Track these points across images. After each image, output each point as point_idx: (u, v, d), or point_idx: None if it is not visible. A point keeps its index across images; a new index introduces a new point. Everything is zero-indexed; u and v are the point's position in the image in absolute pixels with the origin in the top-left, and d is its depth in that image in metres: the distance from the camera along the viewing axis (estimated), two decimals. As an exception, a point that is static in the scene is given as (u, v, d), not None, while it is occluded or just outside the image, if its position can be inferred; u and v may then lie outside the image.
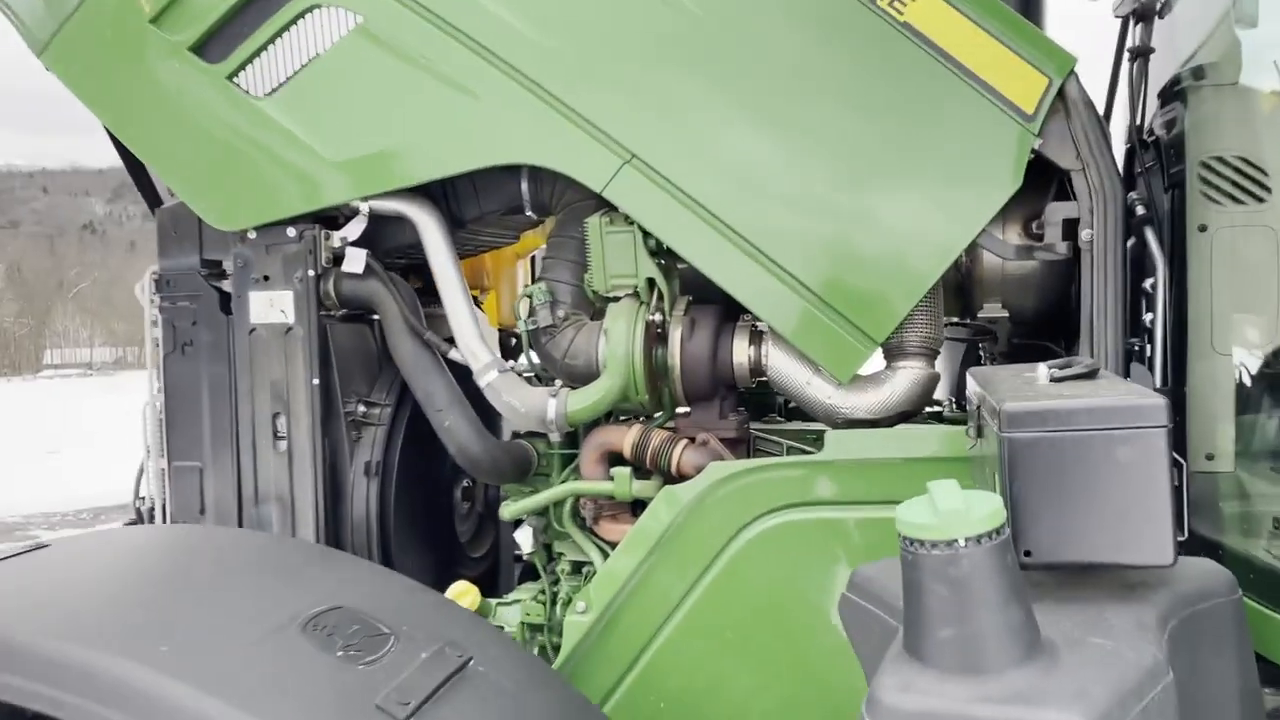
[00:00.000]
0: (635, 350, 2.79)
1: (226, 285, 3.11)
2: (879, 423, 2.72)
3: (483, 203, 3.07)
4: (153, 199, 3.37)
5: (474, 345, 2.93)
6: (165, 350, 3.15)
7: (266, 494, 3.04)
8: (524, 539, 3.05)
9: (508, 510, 3.00)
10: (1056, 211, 2.61)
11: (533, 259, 3.96)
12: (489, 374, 2.89)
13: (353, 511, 3.05)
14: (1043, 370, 2.08)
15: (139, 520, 3.42)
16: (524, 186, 2.99)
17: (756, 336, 2.83)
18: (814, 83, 2.64)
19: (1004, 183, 2.55)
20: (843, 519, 2.66)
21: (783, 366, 2.77)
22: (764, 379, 2.86)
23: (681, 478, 2.82)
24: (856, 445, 2.65)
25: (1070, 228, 2.61)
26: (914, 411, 2.74)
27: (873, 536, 2.65)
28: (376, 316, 3.22)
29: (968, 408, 2.32)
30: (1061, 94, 2.58)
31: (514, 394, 2.87)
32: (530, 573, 3.41)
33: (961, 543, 1.48)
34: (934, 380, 2.74)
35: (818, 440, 3.08)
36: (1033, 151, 2.57)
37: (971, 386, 2.20)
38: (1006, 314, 2.88)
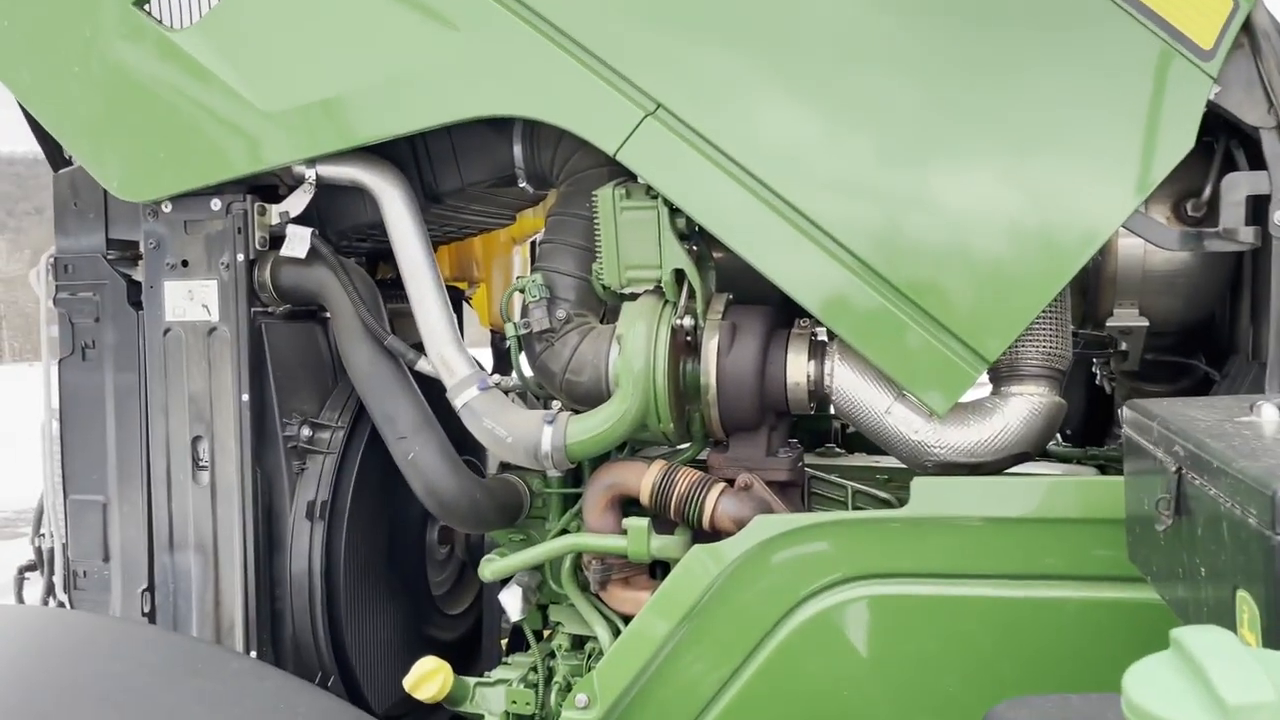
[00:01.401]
0: (657, 364, 2.10)
1: (138, 273, 2.45)
2: (981, 467, 2.03)
3: (464, 171, 2.39)
4: (58, 161, 2.70)
5: (448, 354, 2.25)
6: (62, 353, 2.49)
7: (184, 539, 2.37)
8: (511, 603, 2.37)
9: (489, 569, 2.32)
10: (1238, 185, 1.91)
11: (532, 245, 3.27)
12: (466, 391, 2.21)
13: (292, 564, 2.38)
14: (1272, 414, 1.38)
15: (38, 563, 2.76)
16: (516, 150, 2.32)
17: (818, 349, 2.14)
18: (906, 10, 1.95)
19: (1170, 146, 1.85)
20: (935, 596, 1.98)
21: (853, 389, 2.08)
22: (826, 404, 2.18)
23: (716, 533, 2.14)
24: (955, 498, 1.96)
25: (1257, 207, 1.91)
26: (1031, 453, 2.04)
27: (975, 623, 1.97)
28: (328, 315, 2.55)
29: (1126, 452, 1.63)
30: (1248, 25, 1.88)
31: (498, 419, 2.18)
32: (522, 636, 2.73)
33: (1274, 770, 0.79)
34: (1059, 411, 2.05)
35: (894, 483, 2.41)
36: (1207, 103, 1.87)
37: (1147, 427, 1.51)
38: (1145, 322, 2.18)
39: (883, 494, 2.37)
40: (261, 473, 2.34)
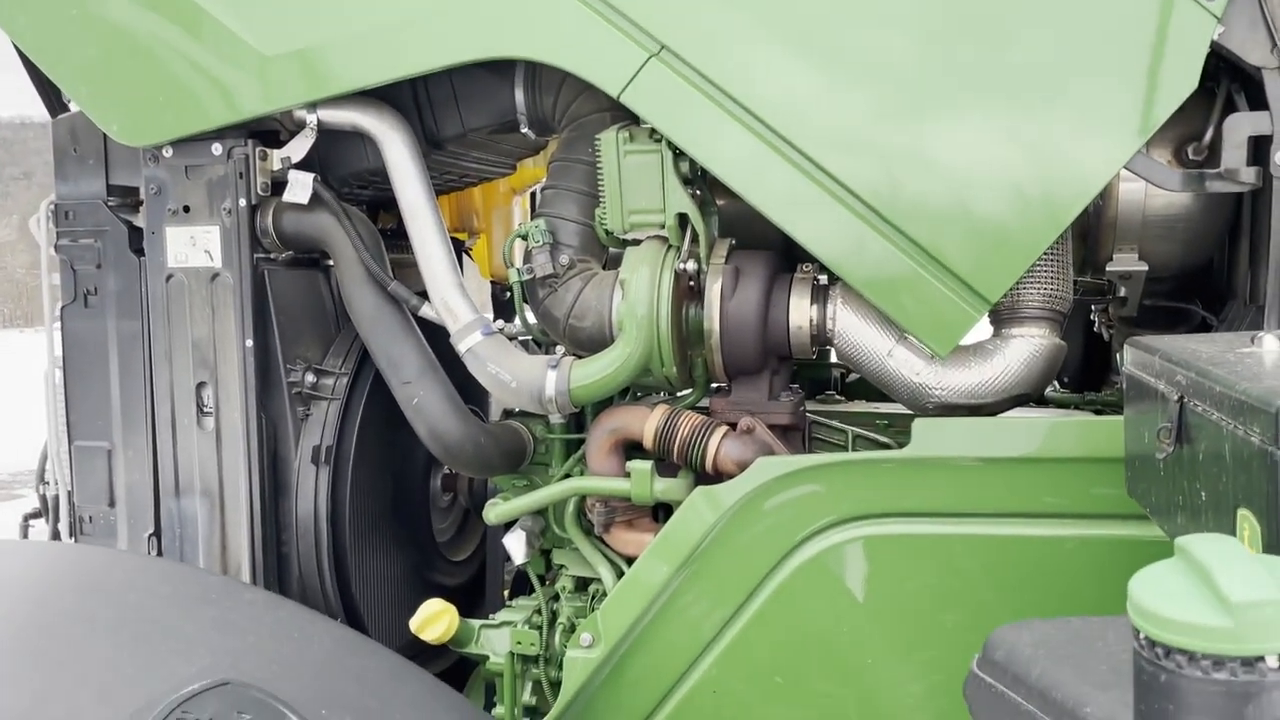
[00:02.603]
0: (661, 308, 2.12)
1: (140, 219, 2.44)
2: (981, 409, 2.05)
3: (465, 116, 2.39)
4: (54, 105, 2.69)
5: (451, 299, 2.25)
6: (64, 300, 2.49)
7: (189, 484, 2.39)
8: (515, 546, 2.39)
9: (493, 512, 2.34)
10: (1240, 126, 1.92)
11: (533, 195, 3.27)
12: (470, 336, 2.22)
13: (298, 508, 2.39)
14: (1273, 344, 1.40)
15: (43, 511, 2.77)
16: (518, 95, 2.31)
17: (820, 293, 2.16)
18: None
19: (1173, 87, 1.85)
20: (936, 535, 2.00)
21: (856, 333, 2.10)
22: (828, 348, 2.19)
23: (719, 475, 2.16)
24: (955, 438, 1.98)
25: (1258, 148, 1.92)
26: (1030, 395, 2.07)
27: (974, 560, 2.00)
28: (331, 261, 2.55)
29: (1127, 390, 1.65)
30: (1253, -36, 1.88)
31: (502, 363, 2.20)
32: (526, 581, 2.76)
33: (1273, 663, 0.82)
34: (1059, 353, 2.06)
35: (894, 428, 2.44)
36: (1210, 44, 1.87)
37: (1149, 363, 1.53)
38: (1145, 267, 2.19)
39: (883, 438, 2.39)
40: (266, 418, 2.35)
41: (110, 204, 2.44)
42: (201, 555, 2.39)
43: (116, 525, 2.50)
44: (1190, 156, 2.09)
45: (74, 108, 2.49)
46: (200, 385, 2.37)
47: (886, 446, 2.38)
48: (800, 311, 2.14)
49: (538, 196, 2.93)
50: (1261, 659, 0.81)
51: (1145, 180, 1.99)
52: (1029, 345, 2.03)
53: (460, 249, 3.08)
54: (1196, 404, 1.30)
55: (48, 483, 2.74)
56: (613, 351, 2.15)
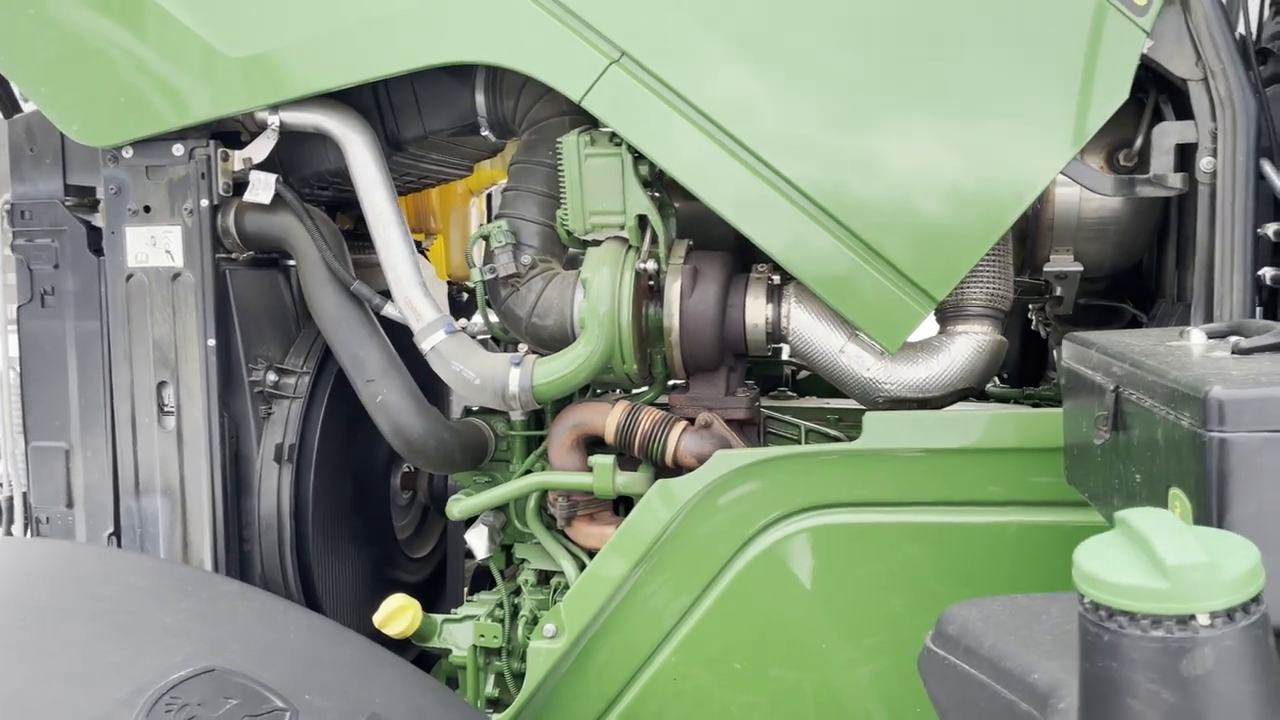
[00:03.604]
0: (622, 307, 2.18)
1: (98, 219, 2.45)
2: (929, 402, 2.15)
3: (426, 119, 2.43)
4: (9, 106, 2.68)
5: (415, 298, 2.30)
6: (20, 300, 2.48)
7: (150, 483, 2.40)
8: (477, 541, 2.44)
9: (457, 508, 2.38)
10: (1168, 134, 2.04)
11: (489, 197, 3.32)
12: (434, 335, 2.26)
13: (260, 506, 2.42)
14: (1200, 337, 1.51)
15: (-6, 513, 2.75)
16: (479, 98, 2.36)
17: (775, 292, 2.24)
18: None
19: (1106, 97, 1.96)
20: (885, 524, 2.09)
21: (809, 330, 2.18)
22: (781, 345, 2.27)
23: (678, 469, 2.24)
24: (903, 431, 2.07)
25: (1185, 155, 2.04)
26: (974, 388, 2.17)
27: (921, 548, 2.09)
28: (291, 262, 2.58)
29: (1064, 383, 1.75)
30: (1178, -19, 2.00)
31: (466, 361, 2.24)
32: (485, 578, 2.81)
33: (1204, 620, 0.90)
34: (1001, 349, 2.17)
35: (844, 422, 2.53)
36: (1140, 56, 1.98)
37: (1085, 356, 1.63)
38: (1080, 267, 2.31)
39: (833, 432, 2.48)
40: (229, 417, 2.37)
41: (67, 204, 2.44)
42: (163, 554, 2.39)
43: (74, 525, 2.50)
44: (1121, 163, 2.21)
45: (29, 107, 2.49)
46: (161, 384, 2.38)
47: (838, 440, 2.47)
48: (756, 310, 2.21)
49: (494, 198, 2.97)
50: (1194, 617, 0.90)
51: (1080, 185, 2.10)
52: (973, 342, 2.13)
53: (418, 249, 3.11)
54: (1132, 393, 1.40)
55: (0, 484, 2.73)
56: (575, 349, 2.21)
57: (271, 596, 1.62)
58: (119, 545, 2.43)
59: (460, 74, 2.34)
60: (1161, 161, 2.04)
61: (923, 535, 2.07)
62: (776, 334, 2.23)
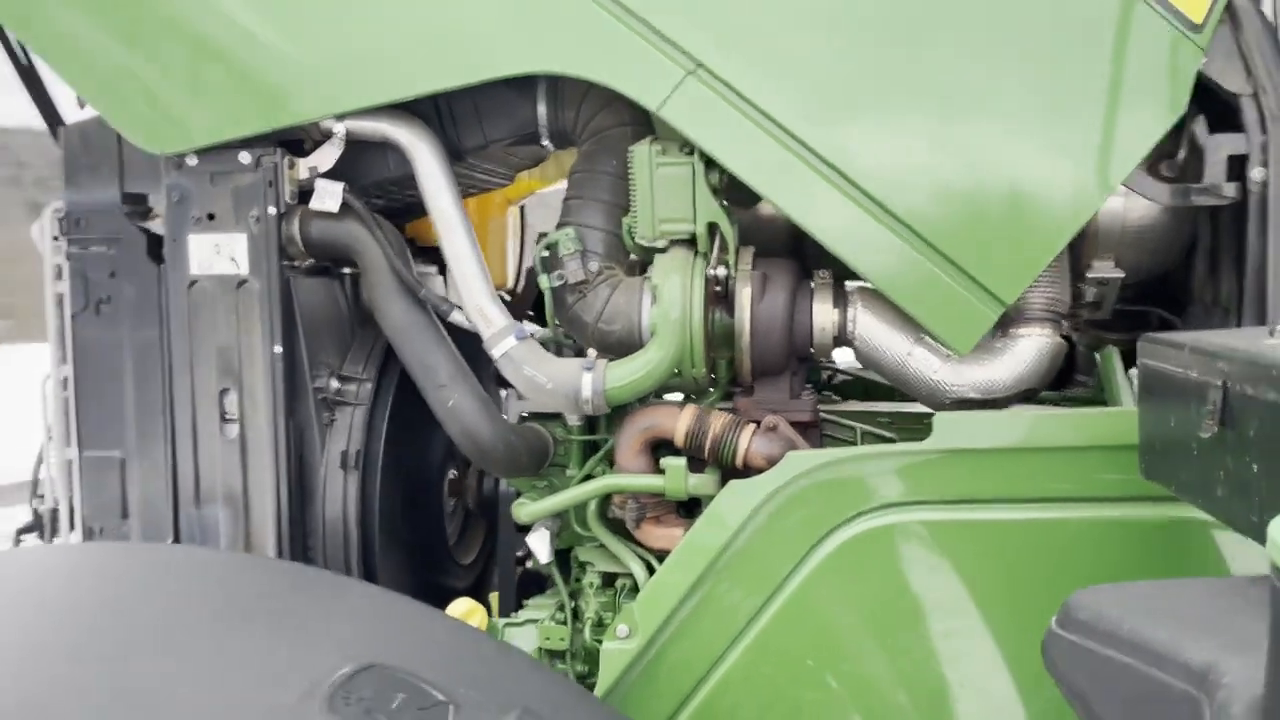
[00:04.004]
0: (694, 313, 2.24)
1: (155, 226, 2.44)
2: (993, 403, 2.23)
3: (487, 129, 2.46)
4: (51, 116, 2.65)
5: (485, 305, 2.32)
6: (74, 309, 2.46)
7: (211, 492, 2.39)
8: (539, 545, 2.47)
9: (525, 511, 2.41)
10: (1220, 146, 2.14)
11: (522, 207, 3.35)
12: (504, 341, 2.29)
13: (325, 513, 2.42)
14: (1293, 337, 1.60)
15: (37, 525, 2.72)
16: (541, 108, 2.40)
17: (841, 297, 2.30)
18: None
19: (1166, 109, 2.07)
20: (954, 521, 2.16)
21: (876, 335, 2.25)
22: (848, 348, 2.34)
23: (746, 471, 2.29)
24: (972, 430, 2.14)
25: (1235, 166, 2.15)
26: (1038, 389, 2.25)
27: (991, 543, 2.16)
28: (347, 270, 2.59)
29: (1143, 383, 1.84)
30: (1229, 2, 2.11)
31: (539, 366, 2.28)
32: (533, 582, 2.84)
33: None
34: (1062, 350, 2.25)
35: (894, 424, 2.60)
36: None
37: (1174, 357, 1.71)
38: (1122, 274, 2.41)
39: (888, 434, 2.55)
40: (293, 424, 2.38)
41: (125, 211, 2.43)
42: (224, 563, 2.39)
43: (129, 536, 2.48)
44: (1164, 172, 2.31)
45: (80, 114, 2.47)
46: (223, 392, 2.37)
47: (892, 441, 2.54)
48: (824, 315, 2.28)
49: (527, 211, 3.00)
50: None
51: (1138, 193, 2.19)
52: (1035, 344, 2.22)
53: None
54: (1244, 388, 1.48)
55: (41, 496, 2.70)
56: (647, 353, 2.26)
57: (398, 595, 1.63)
58: (178, 555, 2.42)
59: (520, 84, 2.38)
60: (1215, 172, 2.15)
61: (992, 530, 2.14)
62: (843, 338, 2.29)
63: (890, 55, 2.12)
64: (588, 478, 2.52)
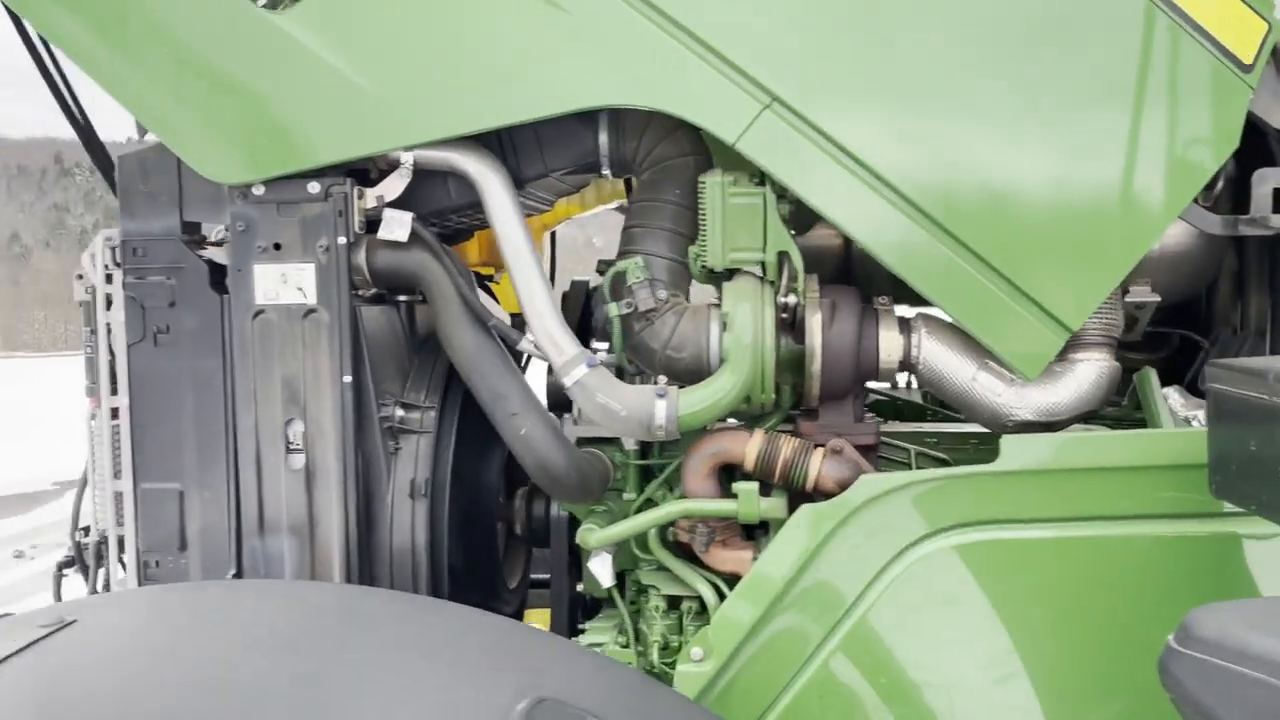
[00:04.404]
0: (765, 339, 2.29)
1: (216, 254, 2.42)
2: (1055, 425, 2.31)
3: (548, 158, 2.49)
4: (101, 157, 2.62)
5: (555, 332, 2.35)
6: (130, 339, 2.43)
7: (275, 522, 2.37)
8: (602, 570, 2.49)
9: (595, 538, 2.43)
10: (1266, 179, 2.26)
11: (553, 234, 3.38)
12: (576, 369, 2.32)
13: (393, 542, 2.42)
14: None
15: (77, 559, 2.67)
16: (603, 138, 2.43)
17: (905, 324, 2.37)
18: (1007, 20, 2.19)
19: (1222, 143, 2.18)
20: (1022, 540, 2.24)
21: (941, 360, 2.32)
22: (912, 374, 2.41)
23: (811, 495, 2.34)
24: (1038, 452, 2.23)
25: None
26: (1097, 411, 2.34)
27: (1059, 562, 2.24)
28: (403, 297, 2.60)
29: (1215, 406, 1.94)
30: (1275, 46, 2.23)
31: (612, 394, 2.30)
32: (580, 607, 2.86)
33: None
34: (1118, 374, 2.35)
35: (942, 445, 2.68)
36: (1244, 109, 2.20)
37: (1251, 382, 1.81)
38: (1159, 298, 2.51)
39: (940, 454, 2.63)
40: (361, 453, 2.37)
41: (184, 240, 2.41)
42: (289, 594, 2.37)
43: (188, 569, 2.45)
44: (1200, 202, 2.42)
45: (138, 139, 2.44)
46: (288, 422, 2.36)
47: (944, 461, 2.62)
48: (889, 341, 2.34)
49: (559, 237, 3.03)
50: None
51: (1189, 222, 2.30)
52: (1095, 368, 2.30)
53: (485, 283, 3.15)
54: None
55: (85, 528, 2.65)
56: (719, 380, 2.30)
57: (548, 633, 1.65)
58: (240, 586, 2.40)
59: (583, 115, 2.41)
60: (1261, 204, 2.26)
61: (1057, 549, 2.22)
62: (907, 363, 2.36)
63: (963, 88, 2.19)
64: (648, 502, 2.56)
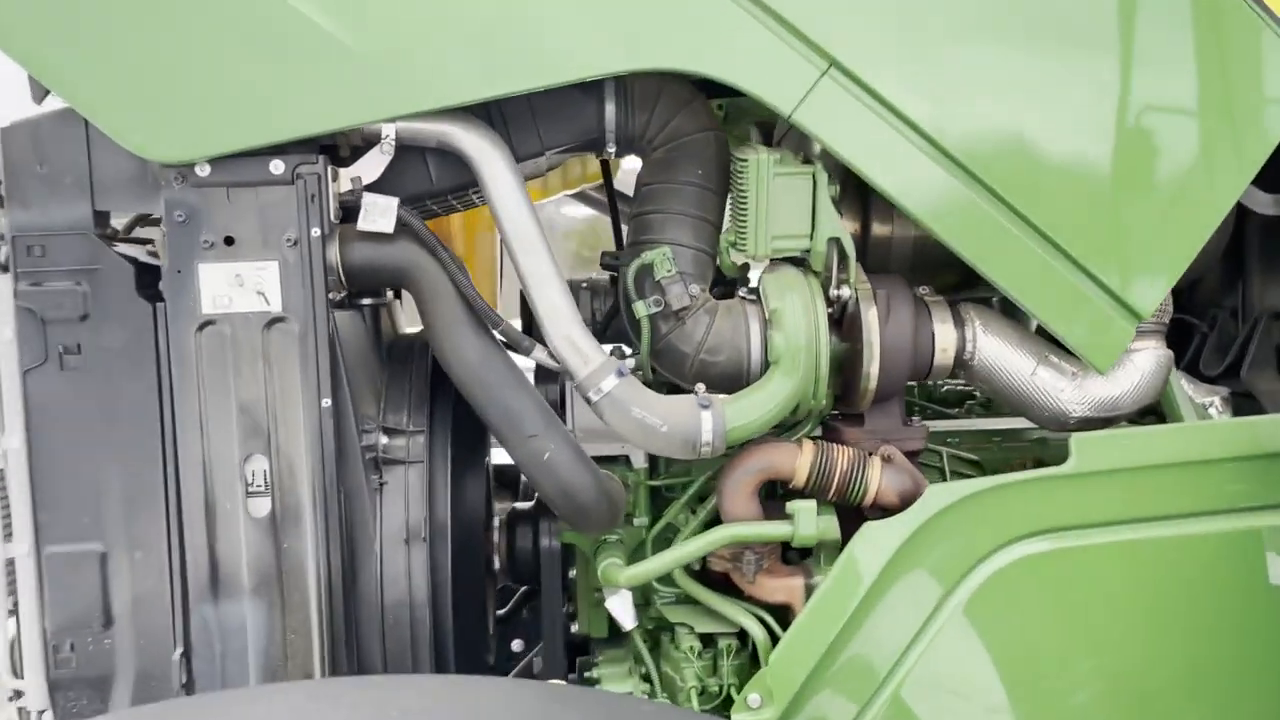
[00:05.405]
0: (820, 338, 2.02)
1: (141, 252, 1.93)
2: (1116, 419, 2.16)
3: (544, 133, 2.11)
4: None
5: (577, 336, 1.99)
6: (26, 363, 1.89)
7: (234, 583, 1.91)
8: (622, 609, 2.16)
9: (624, 575, 2.10)
10: None
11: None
12: (605, 379, 1.97)
13: (383, 597, 1.99)
14: None
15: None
16: (609, 110, 2.09)
17: (959, 317, 2.16)
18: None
19: (1276, 125, 2.07)
20: (1101, 544, 2.07)
21: (998, 355, 2.12)
22: (963, 371, 2.20)
23: (872, 510, 2.10)
24: (1113, 451, 2.06)
25: None
26: (1157, 402, 2.20)
27: (1138, 564, 2.10)
28: (367, 301, 2.17)
29: None
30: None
31: (650, 408, 1.97)
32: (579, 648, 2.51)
33: None
34: (1171, 362, 2.21)
35: (964, 445, 2.51)
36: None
37: None
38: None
39: (971, 455, 2.44)
40: (342, 492, 1.94)
41: (100, 234, 1.90)
42: (255, 670, 1.92)
43: (113, 651, 1.95)
44: None
45: (39, 103, 1.91)
46: (246, 459, 1.90)
47: (976, 463, 2.44)
48: (945, 335, 2.12)
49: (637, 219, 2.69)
50: None
51: (1242, 203, 2.20)
52: (1153, 357, 2.16)
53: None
54: None
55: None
56: (769, 385, 2.02)
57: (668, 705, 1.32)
58: (190, 665, 1.92)
59: (586, 84, 2.07)
60: None
61: (1134, 550, 2.07)
62: (960, 359, 2.15)
63: (1034, 58, 1.99)
64: (668, 527, 2.25)
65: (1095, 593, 2.08)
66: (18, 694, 2.03)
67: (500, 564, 2.43)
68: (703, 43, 1.89)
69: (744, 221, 2.04)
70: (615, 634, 2.44)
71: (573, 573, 2.43)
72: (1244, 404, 2.46)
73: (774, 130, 2.27)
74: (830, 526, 2.07)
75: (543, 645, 2.37)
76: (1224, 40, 2.05)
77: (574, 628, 2.44)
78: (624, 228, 2.56)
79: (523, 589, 2.66)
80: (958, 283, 2.33)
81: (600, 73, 1.90)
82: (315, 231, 1.86)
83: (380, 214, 1.93)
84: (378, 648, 2.00)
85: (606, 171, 2.71)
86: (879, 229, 2.22)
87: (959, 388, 2.95)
